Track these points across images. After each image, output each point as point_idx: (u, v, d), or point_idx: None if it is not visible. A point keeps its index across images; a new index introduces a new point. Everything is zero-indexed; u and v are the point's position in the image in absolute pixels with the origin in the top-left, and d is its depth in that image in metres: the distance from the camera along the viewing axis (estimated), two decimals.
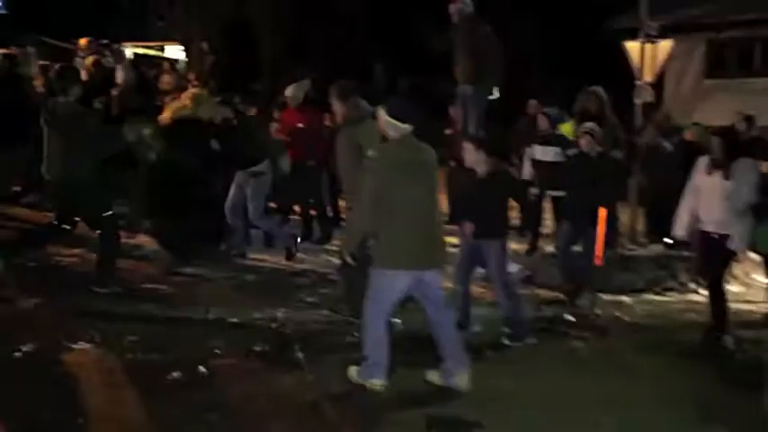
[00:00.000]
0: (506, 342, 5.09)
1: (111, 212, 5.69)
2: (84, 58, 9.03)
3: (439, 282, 4.30)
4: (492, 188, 5.07)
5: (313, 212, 7.92)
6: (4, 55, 9.17)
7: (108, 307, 5.35)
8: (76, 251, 6.55)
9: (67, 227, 5.68)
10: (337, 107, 5.23)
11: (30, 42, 10.62)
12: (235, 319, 5.27)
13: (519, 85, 9.57)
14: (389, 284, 4.07)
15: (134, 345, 4.72)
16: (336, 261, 6.83)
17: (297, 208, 8.23)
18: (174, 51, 17.37)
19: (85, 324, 5.01)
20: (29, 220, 7.34)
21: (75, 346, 4.65)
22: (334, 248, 7.35)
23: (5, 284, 5.54)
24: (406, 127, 4.08)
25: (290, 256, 6.93)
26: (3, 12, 10.61)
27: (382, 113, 4.14)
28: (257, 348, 4.77)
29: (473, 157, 5.10)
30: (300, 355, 4.70)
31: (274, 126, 7.96)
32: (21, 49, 9.52)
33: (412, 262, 4.03)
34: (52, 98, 5.85)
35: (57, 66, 6.24)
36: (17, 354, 4.49)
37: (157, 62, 14.96)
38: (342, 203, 8.38)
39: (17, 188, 8.36)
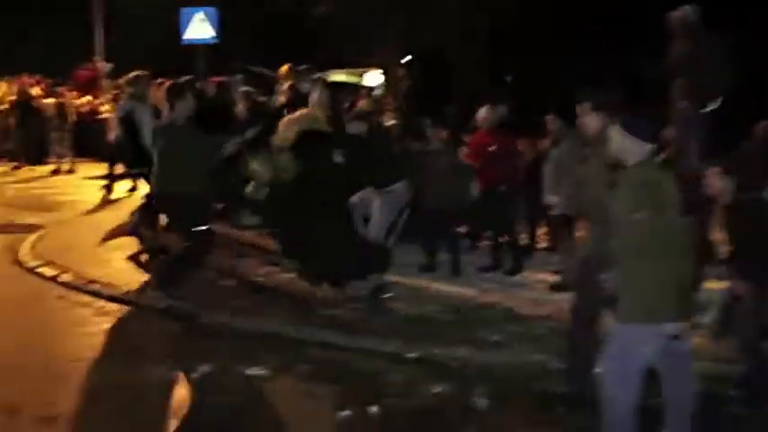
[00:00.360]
0: (739, 411, 4.12)
1: (202, 227, 5.63)
2: (282, 84, 9.33)
3: (690, 341, 3.41)
4: (740, 221, 4.19)
5: (503, 240, 7.38)
6: (218, 83, 9.70)
7: (285, 330, 5.21)
8: (267, 269, 6.58)
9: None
10: (591, 121, 4.45)
11: (238, 70, 11.27)
12: (412, 354, 4.86)
13: (746, 104, 8.34)
14: (637, 343, 3.22)
15: (307, 374, 4.50)
16: (530, 295, 6.29)
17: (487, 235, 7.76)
18: (373, 77, 17.80)
19: (263, 347, 4.91)
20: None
21: (250, 371, 4.52)
22: (524, 281, 6.78)
23: (186, 300, 5.65)
24: (650, 148, 3.34)
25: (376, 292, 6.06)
26: (216, 41, 11.31)
27: (617, 132, 3.39)
28: (435, 390, 4.32)
29: (718, 185, 4.25)
30: (483, 401, 4.19)
31: (464, 150, 7.60)
32: (229, 77, 10.09)
33: (666, 312, 3.18)
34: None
35: (169, 83, 6.31)
36: (194, 374, 4.45)
37: (355, 88, 15.37)
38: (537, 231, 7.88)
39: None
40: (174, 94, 5.71)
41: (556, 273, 6.85)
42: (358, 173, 6.12)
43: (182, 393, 4.24)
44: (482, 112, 7.34)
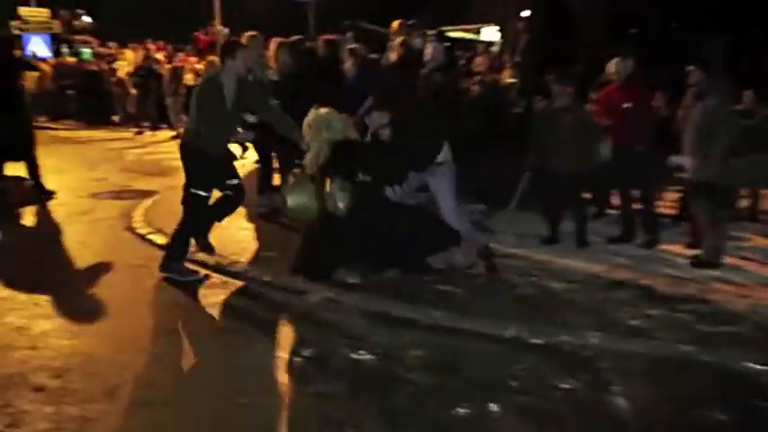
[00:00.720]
0: None
1: (202, 192, 5.39)
2: (394, 39, 8.86)
3: None
4: None
5: (637, 207, 6.61)
6: (327, 41, 9.34)
7: (395, 309, 4.79)
8: None
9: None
10: None
11: (348, 28, 10.88)
12: (537, 340, 4.33)
13: None
14: None
15: (417, 361, 4.08)
16: (669, 272, 5.56)
17: (616, 202, 7.01)
18: (490, 33, 16.96)
19: (372, 327, 4.54)
20: None
21: (356, 355, 4.16)
22: (664, 256, 6.04)
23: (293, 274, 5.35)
24: None
25: (489, 267, 5.57)
26: None
27: None
28: (564, 385, 3.79)
29: None
30: (623, 401, 3.62)
31: (590, 107, 6.85)
32: (340, 35, 9.71)
33: None
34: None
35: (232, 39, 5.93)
36: (297, 358, 4.14)
37: (472, 45, 14.68)
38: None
39: None
40: (225, 51, 5.47)
41: (690, 246, 6.10)
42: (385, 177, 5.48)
43: (284, 379, 3.94)
44: (612, 66, 6.59)
